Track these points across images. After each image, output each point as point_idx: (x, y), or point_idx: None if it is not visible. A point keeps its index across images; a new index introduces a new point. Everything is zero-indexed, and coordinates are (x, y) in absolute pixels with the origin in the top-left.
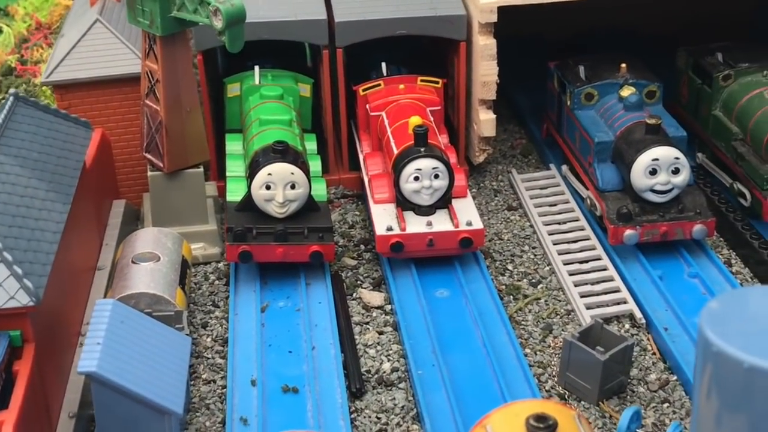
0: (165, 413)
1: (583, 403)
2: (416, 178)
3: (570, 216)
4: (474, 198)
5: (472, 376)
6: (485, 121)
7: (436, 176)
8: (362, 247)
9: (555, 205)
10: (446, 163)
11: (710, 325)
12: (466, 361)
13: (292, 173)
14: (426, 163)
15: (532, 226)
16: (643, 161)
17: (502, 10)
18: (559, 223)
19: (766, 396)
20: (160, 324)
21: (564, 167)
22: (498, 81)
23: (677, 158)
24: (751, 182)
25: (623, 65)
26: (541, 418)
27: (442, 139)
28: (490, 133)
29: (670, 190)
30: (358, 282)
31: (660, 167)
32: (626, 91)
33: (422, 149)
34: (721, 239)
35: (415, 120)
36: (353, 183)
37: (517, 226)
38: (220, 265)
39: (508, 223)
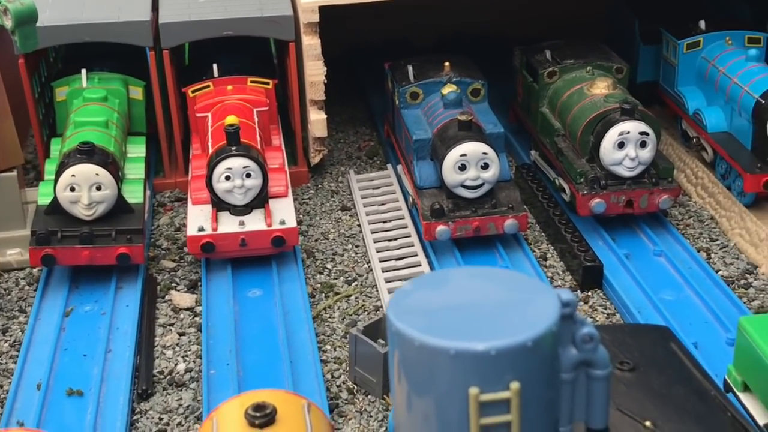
0: None
1: (370, 396)
2: (228, 178)
3: (396, 215)
4: (310, 199)
5: (264, 375)
6: (316, 121)
7: (248, 175)
8: (185, 249)
9: (384, 204)
10: (259, 162)
11: (394, 306)
12: (262, 359)
13: (97, 174)
14: (237, 162)
15: (359, 225)
16: (452, 157)
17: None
18: (384, 222)
19: (446, 376)
20: None
21: (399, 167)
22: (325, 81)
23: (485, 153)
24: (568, 177)
25: (446, 64)
26: (259, 407)
27: (275, 140)
28: (322, 133)
29: (480, 186)
30: (173, 284)
31: (469, 163)
32: (446, 89)
33: (233, 148)
34: (543, 234)
35: (228, 119)
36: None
37: (346, 226)
38: (35, 270)
39: (338, 222)
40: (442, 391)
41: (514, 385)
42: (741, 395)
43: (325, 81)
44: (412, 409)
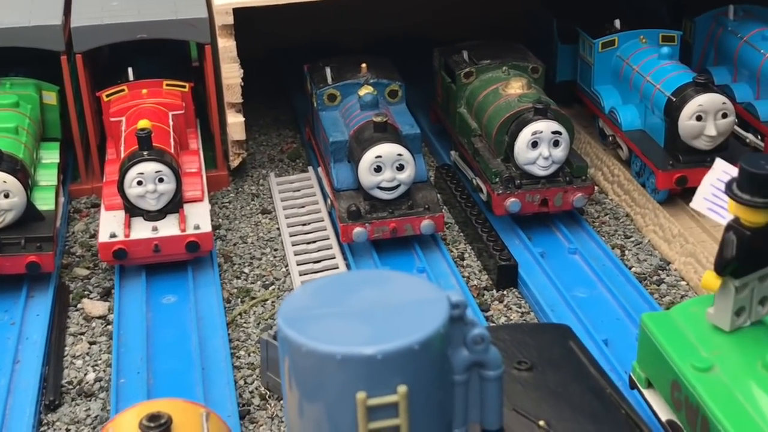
0: None
1: (282, 402)
2: (140, 183)
3: (316, 217)
4: (230, 202)
5: (175, 383)
6: (233, 124)
7: (161, 180)
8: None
9: (304, 206)
10: (172, 167)
11: (284, 312)
12: (174, 367)
13: (5, 182)
14: (149, 167)
15: (278, 228)
16: (367, 159)
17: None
18: (303, 224)
19: (334, 381)
20: None
21: (319, 169)
22: (242, 84)
23: (400, 155)
24: (484, 177)
25: (363, 65)
26: (154, 417)
27: (192, 144)
28: (240, 136)
29: (396, 187)
30: (86, 292)
31: (384, 164)
32: (363, 91)
33: (145, 153)
34: (461, 234)
35: (140, 123)
36: None
37: (265, 229)
38: None
39: (257, 226)
40: (332, 396)
41: (402, 389)
42: (645, 392)
43: (242, 84)
44: (304, 415)
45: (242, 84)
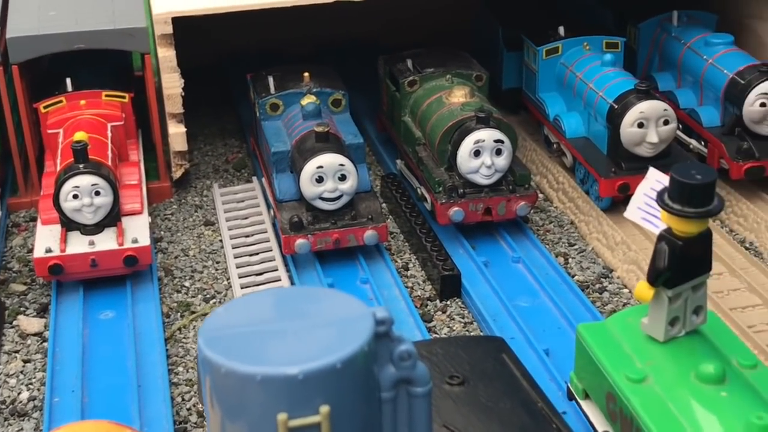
0: None
1: None
2: (75, 196)
3: (259, 228)
4: (173, 214)
5: (110, 400)
6: (174, 135)
7: (98, 193)
8: None
9: (247, 218)
10: (109, 180)
11: (204, 331)
12: (110, 384)
13: None
14: (85, 180)
15: (221, 240)
16: (308, 169)
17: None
18: (246, 236)
19: (255, 402)
20: None
21: (264, 179)
22: (183, 94)
23: (342, 165)
24: (428, 185)
25: (306, 74)
26: None
27: (133, 155)
28: (182, 147)
29: (338, 197)
30: (22, 308)
31: (326, 174)
32: (305, 100)
33: (81, 166)
34: (406, 243)
35: (77, 136)
36: None
37: (207, 241)
38: None
39: (200, 238)
40: (253, 417)
41: (324, 409)
42: (582, 403)
43: (183, 93)
44: None
45: (183, 94)
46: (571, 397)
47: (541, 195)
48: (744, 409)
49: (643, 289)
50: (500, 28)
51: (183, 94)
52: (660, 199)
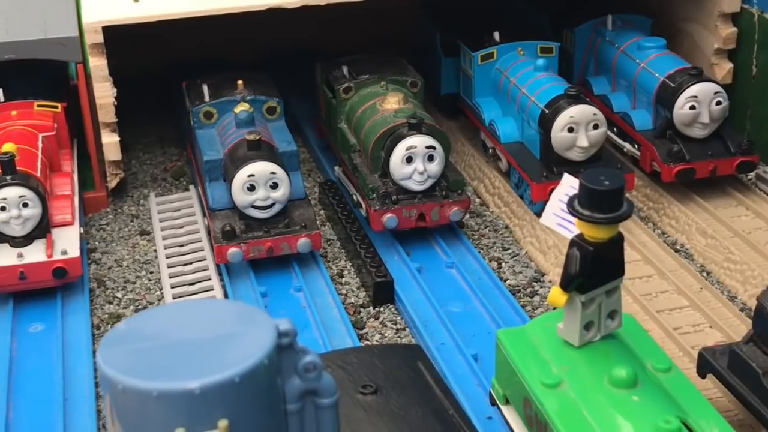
0: None
1: None
2: (3, 208)
3: (194, 238)
4: (108, 224)
5: (36, 415)
6: (108, 144)
7: (26, 205)
8: None
9: (183, 227)
10: (37, 191)
11: (103, 347)
12: (36, 398)
13: None
14: (12, 192)
15: (156, 250)
16: (240, 178)
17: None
18: (181, 246)
19: (154, 418)
20: None
21: (199, 188)
22: (115, 102)
23: (273, 173)
24: (363, 192)
25: (239, 82)
26: None
27: (66, 166)
28: (116, 156)
29: (271, 206)
30: None
31: (257, 183)
32: (239, 108)
33: (8, 177)
34: (342, 250)
35: (5, 147)
36: None
37: (142, 251)
38: None
39: (134, 248)
40: None
41: (222, 423)
42: (503, 408)
43: (116, 102)
44: None
45: (116, 103)
46: (493, 402)
47: (477, 200)
48: (654, 412)
49: (557, 295)
50: (438, 33)
51: (116, 103)
52: (570, 205)
